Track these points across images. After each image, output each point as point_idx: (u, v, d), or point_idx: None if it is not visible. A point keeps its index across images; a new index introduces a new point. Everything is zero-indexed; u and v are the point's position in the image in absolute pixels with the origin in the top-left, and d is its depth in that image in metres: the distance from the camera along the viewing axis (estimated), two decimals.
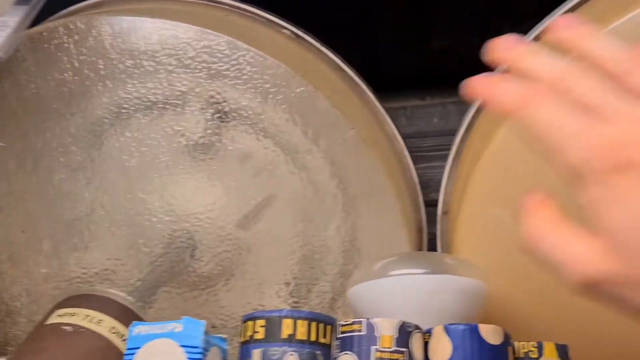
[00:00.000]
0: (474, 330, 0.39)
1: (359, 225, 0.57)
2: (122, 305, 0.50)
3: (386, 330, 0.39)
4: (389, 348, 0.38)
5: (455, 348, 0.39)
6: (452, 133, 0.64)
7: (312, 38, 0.61)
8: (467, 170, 0.60)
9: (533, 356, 0.43)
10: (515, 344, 0.43)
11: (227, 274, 0.55)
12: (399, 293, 0.47)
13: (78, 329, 0.45)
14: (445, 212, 0.64)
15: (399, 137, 0.65)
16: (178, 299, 0.55)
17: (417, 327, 0.40)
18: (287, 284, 0.56)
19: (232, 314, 0.55)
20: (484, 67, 0.32)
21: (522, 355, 0.43)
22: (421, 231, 0.67)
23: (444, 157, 0.65)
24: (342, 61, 0.62)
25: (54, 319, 0.47)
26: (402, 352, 0.38)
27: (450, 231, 0.62)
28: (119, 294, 0.51)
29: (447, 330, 0.40)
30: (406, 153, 0.65)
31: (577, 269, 0.26)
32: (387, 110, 0.94)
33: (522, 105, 0.27)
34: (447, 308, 0.47)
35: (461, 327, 0.39)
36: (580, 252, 0.26)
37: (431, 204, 0.66)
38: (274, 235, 0.56)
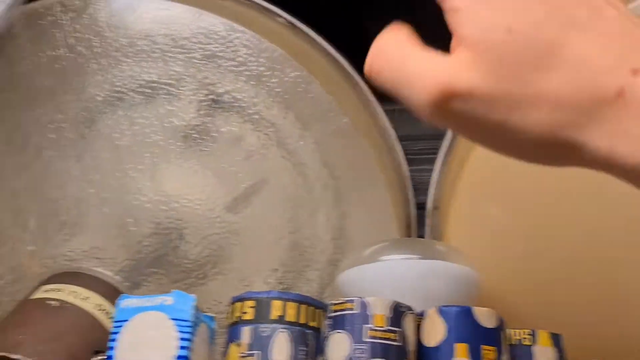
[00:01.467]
0: (468, 313, 0.39)
1: (349, 214, 0.57)
2: (109, 284, 0.50)
3: (379, 309, 0.39)
4: (382, 327, 0.38)
5: (449, 330, 0.39)
6: (442, 137, 0.64)
7: (307, 27, 0.61)
8: (457, 167, 0.60)
9: (526, 343, 0.43)
10: (509, 331, 0.43)
11: (215, 258, 0.55)
12: (389, 278, 0.47)
13: (64, 304, 0.44)
14: (436, 208, 0.64)
15: (391, 131, 0.65)
16: (166, 281, 0.54)
17: (409, 309, 0.40)
18: (275, 270, 0.56)
19: (219, 298, 0.55)
20: None
21: (515, 342, 0.43)
22: (410, 227, 0.68)
23: (434, 161, 0.65)
24: (337, 51, 0.62)
25: (39, 294, 0.46)
26: (395, 332, 0.38)
27: (440, 225, 0.63)
28: (106, 273, 0.51)
29: (441, 312, 0.40)
30: (398, 147, 0.66)
31: (432, 81, 0.23)
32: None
33: None
34: (438, 294, 0.47)
35: (455, 309, 0.39)
36: (435, 65, 0.23)
37: (421, 207, 0.66)
38: (263, 220, 0.56)
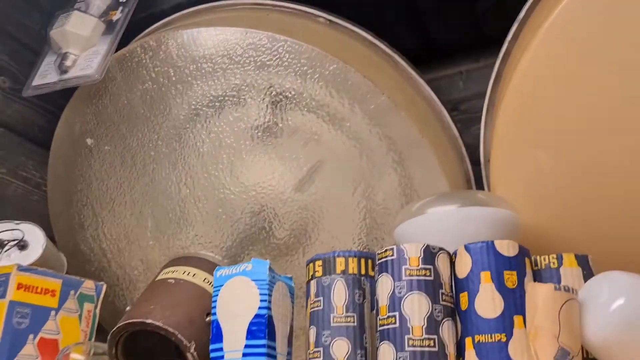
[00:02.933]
0: (490, 246, 0.46)
1: (412, 177, 0.64)
2: (212, 262, 0.62)
3: (413, 253, 0.47)
4: (417, 267, 0.46)
5: (474, 262, 0.46)
6: (484, 95, 0.69)
7: (345, 21, 0.69)
8: (501, 120, 0.65)
9: (553, 267, 0.49)
10: (537, 257, 0.49)
11: (297, 233, 0.65)
12: (433, 227, 0.55)
13: (178, 281, 0.57)
14: (487, 161, 0.70)
15: (436, 99, 0.72)
16: (258, 257, 0.66)
17: (442, 249, 0.48)
18: (354, 238, 0.65)
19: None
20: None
21: (543, 267, 0.49)
22: (469, 181, 0.74)
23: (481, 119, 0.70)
24: (375, 37, 0.70)
25: (161, 276, 0.59)
26: (427, 269, 0.46)
27: (493, 176, 0.68)
28: (209, 254, 0.63)
29: (467, 248, 0.47)
30: (445, 112, 0.72)
31: None
32: (444, 77, 1.01)
33: None
34: (478, 237, 0.53)
35: (479, 244, 0.47)
36: None
37: (477, 163, 0.71)
38: (333, 195, 0.65)
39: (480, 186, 0.71)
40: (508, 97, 0.59)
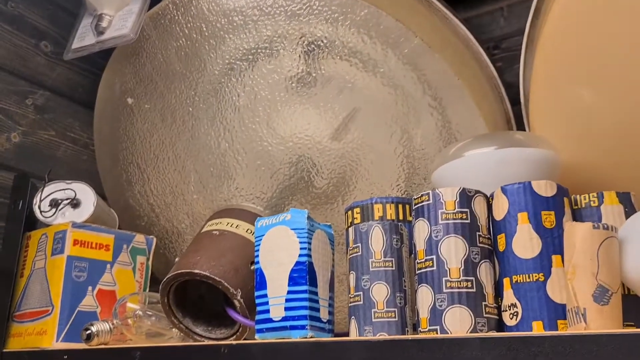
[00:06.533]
0: (527, 186, 0.46)
1: (450, 120, 0.63)
2: (254, 213, 0.64)
3: (448, 197, 0.47)
4: (453, 210, 0.47)
5: (511, 204, 0.46)
6: (523, 32, 0.67)
7: None
8: (540, 57, 0.63)
9: (594, 205, 0.48)
10: (577, 196, 0.49)
11: (336, 182, 0.66)
12: (471, 170, 0.55)
13: (223, 232, 0.59)
14: (527, 100, 0.68)
15: (473, 39, 0.70)
16: (298, 206, 0.67)
17: (478, 192, 0.48)
18: (395, 183, 0.66)
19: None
20: None
21: (583, 206, 0.48)
22: (509, 122, 0.72)
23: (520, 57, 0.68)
24: None
25: (206, 228, 0.62)
26: (464, 212, 0.47)
27: (533, 116, 0.67)
28: (250, 206, 0.65)
29: (503, 190, 0.47)
30: (482, 51, 0.70)
31: None
32: (485, 13, 0.97)
33: None
34: (517, 177, 0.53)
35: (515, 185, 0.46)
36: None
37: (516, 103, 0.70)
38: (369, 143, 0.65)
39: (521, 126, 0.70)
40: (547, 33, 0.57)
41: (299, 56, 0.62)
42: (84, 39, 0.69)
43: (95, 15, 0.69)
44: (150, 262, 0.70)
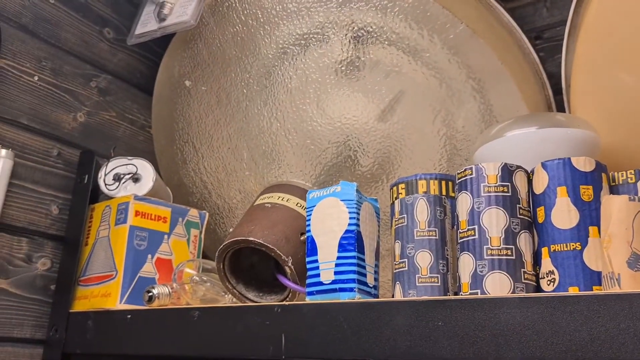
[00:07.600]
0: (567, 162, 0.49)
1: (492, 104, 0.66)
2: (303, 189, 0.68)
3: (490, 171, 0.50)
4: (494, 183, 0.50)
5: (550, 178, 0.49)
6: (565, 23, 0.69)
7: None
8: (582, 45, 0.65)
9: (631, 182, 0.50)
10: (614, 173, 0.51)
11: (381, 161, 0.69)
12: (512, 150, 0.57)
13: (274, 205, 0.63)
14: (568, 86, 0.70)
15: (516, 26, 0.72)
16: None
17: (519, 167, 0.51)
18: (436, 164, 0.69)
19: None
20: None
21: (620, 182, 0.51)
22: (550, 107, 0.75)
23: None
24: None
25: (258, 202, 0.66)
26: (505, 186, 0.49)
27: (574, 100, 0.69)
28: (300, 182, 0.69)
29: (544, 165, 0.49)
30: (525, 39, 0.73)
31: None
32: (528, 4, 1.00)
33: None
34: (556, 157, 0.55)
35: (555, 160, 0.49)
36: None
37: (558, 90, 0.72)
38: (413, 125, 0.68)
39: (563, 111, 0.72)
40: (589, 18, 0.59)
41: (349, 41, 0.65)
42: (146, 25, 0.74)
43: (158, 3, 0.74)
44: (202, 235, 0.74)
